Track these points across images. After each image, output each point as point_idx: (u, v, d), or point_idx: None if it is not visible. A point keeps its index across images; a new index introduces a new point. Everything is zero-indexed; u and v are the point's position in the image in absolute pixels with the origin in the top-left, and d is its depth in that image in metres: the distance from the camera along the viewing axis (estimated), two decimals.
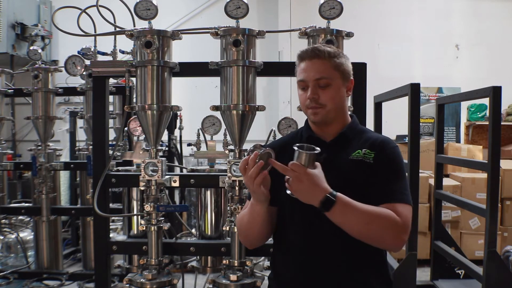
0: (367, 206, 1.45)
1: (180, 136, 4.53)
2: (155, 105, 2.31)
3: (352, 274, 1.56)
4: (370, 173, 1.54)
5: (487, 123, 3.92)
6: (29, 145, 3.89)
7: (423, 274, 4.00)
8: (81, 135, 4.93)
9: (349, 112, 1.72)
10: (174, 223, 3.59)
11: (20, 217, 4.28)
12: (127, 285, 2.39)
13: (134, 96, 2.49)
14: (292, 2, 6.12)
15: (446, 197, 3.53)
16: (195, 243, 2.63)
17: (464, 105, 5.83)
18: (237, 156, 2.38)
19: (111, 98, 4.25)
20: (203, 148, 2.74)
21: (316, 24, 2.37)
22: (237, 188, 2.33)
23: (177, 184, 2.48)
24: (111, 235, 2.75)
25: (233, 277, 2.32)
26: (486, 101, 2.90)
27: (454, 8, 6.28)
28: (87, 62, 3.54)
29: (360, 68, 2.30)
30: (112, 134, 3.95)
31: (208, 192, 2.72)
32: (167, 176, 2.41)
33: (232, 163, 2.32)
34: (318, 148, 1.43)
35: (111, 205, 3.02)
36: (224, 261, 2.43)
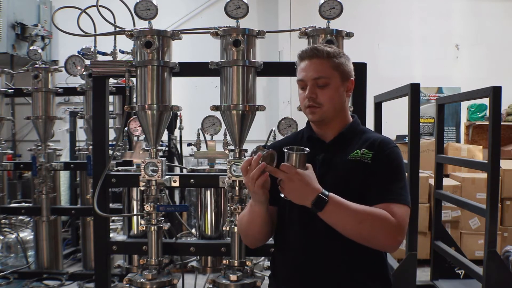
0: (360, 206, 1.45)
1: (180, 136, 4.53)
2: (155, 105, 2.31)
3: (350, 274, 1.56)
4: (368, 173, 1.54)
5: (487, 123, 3.92)
6: (29, 145, 3.89)
7: (423, 274, 4.00)
8: (81, 135, 4.93)
9: (350, 113, 1.72)
10: (174, 223, 3.59)
11: (20, 217, 4.28)
12: (127, 285, 2.39)
13: (134, 96, 2.49)
14: (292, 2, 6.12)
15: (446, 197, 3.53)
16: (195, 243, 2.63)
17: (464, 105, 5.83)
18: (237, 156, 2.38)
19: (111, 98, 4.24)
20: (203, 148, 2.74)
21: (316, 24, 2.37)
22: (237, 188, 2.33)
23: (177, 184, 2.48)
24: (111, 235, 2.75)
25: (233, 277, 2.32)
26: (486, 101, 2.90)
27: (454, 8, 6.28)
28: (87, 62, 3.54)
29: (360, 68, 2.29)
30: (112, 134, 3.95)
31: (208, 192, 2.72)
32: (167, 176, 2.41)
33: (232, 163, 2.32)
34: (307, 149, 1.43)
35: (111, 205, 3.02)
36: (224, 261, 2.43)
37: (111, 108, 4.22)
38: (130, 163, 3.43)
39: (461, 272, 3.54)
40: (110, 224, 3.23)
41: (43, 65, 3.63)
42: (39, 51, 3.61)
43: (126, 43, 2.86)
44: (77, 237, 4.72)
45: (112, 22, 2.98)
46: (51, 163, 3.60)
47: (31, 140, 4.92)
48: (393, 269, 2.74)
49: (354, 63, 1.71)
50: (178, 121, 4.40)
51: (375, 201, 1.49)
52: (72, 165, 3.82)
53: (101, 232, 2.51)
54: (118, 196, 3.77)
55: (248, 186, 1.49)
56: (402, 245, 1.73)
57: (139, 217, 2.79)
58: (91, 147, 3.31)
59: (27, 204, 4.20)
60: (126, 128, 3.35)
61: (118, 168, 3.14)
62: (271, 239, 1.74)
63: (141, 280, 2.36)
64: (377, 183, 1.52)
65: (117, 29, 2.78)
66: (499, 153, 2.67)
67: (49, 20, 6.11)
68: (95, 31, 3.32)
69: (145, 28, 2.35)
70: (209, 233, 2.74)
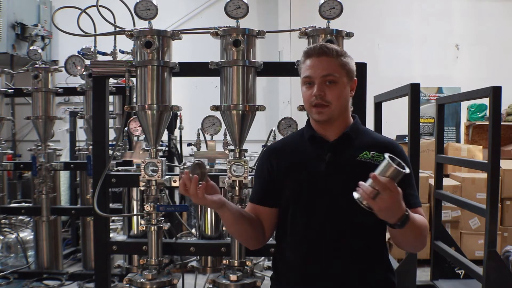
0: (417, 218, 1.48)
1: (180, 136, 4.53)
2: (155, 105, 2.31)
3: (356, 275, 1.56)
4: None
5: (487, 123, 3.92)
6: (29, 145, 3.89)
7: (423, 274, 4.00)
8: (81, 135, 4.93)
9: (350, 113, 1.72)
10: (174, 223, 3.58)
11: (20, 217, 4.28)
12: (127, 285, 2.39)
13: (134, 96, 2.49)
14: (292, 2, 6.12)
15: (446, 197, 3.53)
16: (195, 243, 2.63)
17: (464, 105, 5.83)
18: (237, 156, 2.37)
19: (111, 98, 4.24)
20: (203, 148, 2.74)
21: (316, 24, 2.37)
22: (237, 188, 2.33)
23: (177, 184, 2.48)
24: (111, 235, 2.75)
25: (233, 277, 2.32)
26: (486, 101, 2.90)
27: (454, 8, 6.28)
28: (87, 62, 3.54)
29: (360, 68, 2.28)
30: (112, 134, 3.95)
31: None
32: (167, 176, 2.41)
33: (232, 163, 2.32)
34: (408, 169, 1.35)
35: (111, 205, 3.02)
36: (224, 261, 2.43)
37: (111, 108, 4.22)
38: (130, 163, 3.42)
39: (461, 272, 3.54)
40: (110, 224, 3.23)
41: (43, 65, 3.63)
42: (39, 51, 3.62)
43: (126, 43, 2.86)
44: (77, 237, 4.72)
45: (112, 22, 2.98)
46: (51, 163, 3.60)
47: (31, 140, 4.91)
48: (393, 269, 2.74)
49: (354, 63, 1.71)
50: (178, 121, 4.41)
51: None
52: (72, 165, 3.82)
53: (101, 232, 2.51)
54: (118, 196, 3.77)
55: (198, 203, 1.50)
56: None
57: (139, 217, 2.78)
58: (91, 147, 3.31)
59: (27, 204, 4.20)
60: (126, 128, 3.35)
61: (118, 168, 3.14)
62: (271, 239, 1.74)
63: (141, 280, 2.36)
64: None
65: (117, 29, 2.78)
66: (499, 153, 2.68)
67: (49, 20, 6.10)
68: (95, 31, 3.32)
69: (145, 28, 2.35)
70: (209, 233, 2.74)
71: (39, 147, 3.58)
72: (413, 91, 2.88)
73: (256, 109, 2.35)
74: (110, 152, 2.61)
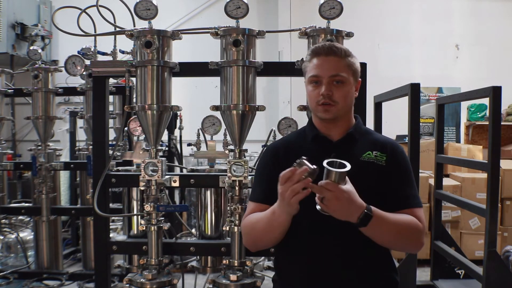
0: (395, 216, 1.49)
1: (180, 136, 4.53)
2: (155, 105, 2.31)
3: (360, 275, 1.56)
4: (383, 175, 1.57)
5: (487, 123, 3.92)
6: (29, 145, 3.89)
7: (423, 274, 4.00)
8: (81, 135, 4.92)
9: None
10: (174, 223, 3.58)
11: (20, 217, 4.28)
12: (127, 285, 2.39)
13: (134, 96, 2.49)
14: (292, 2, 6.12)
15: (446, 197, 3.53)
16: (195, 243, 2.63)
17: (464, 105, 5.83)
18: (237, 156, 2.38)
19: (111, 98, 4.24)
20: (203, 148, 2.74)
21: (316, 24, 2.37)
22: (237, 188, 2.33)
23: (177, 184, 2.48)
24: (111, 235, 2.75)
25: (233, 277, 2.32)
26: (486, 101, 2.90)
27: (454, 8, 6.28)
28: (87, 62, 3.53)
29: (360, 68, 2.29)
30: (112, 134, 3.95)
31: (208, 192, 2.72)
32: (167, 176, 2.41)
33: (232, 163, 2.32)
34: (348, 165, 1.39)
35: (111, 205, 3.02)
36: (224, 261, 2.43)
37: (111, 108, 4.22)
38: (130, 163, 3.43)
39: (461, 272, 3.54)
40: (110, 224, 3.23)
41: (43, 65, 3.63)
42: (39, 51, 3.61)
43: (126, 43, 2.86)
44: (77, 237, 4.72)
45: (112, 22, 2.98)
46: (51, 163, 3.60)
47: (31, 140, 4.91)
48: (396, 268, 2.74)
49: None
50: (178, 121, 4.40)
51: (398, 206, 1.54)
52: (72, 165, 3.82)
53: (101, 232, 2.51)
54: (118, 196, 3.77)
55: (284, 197, 1.40)
56: None
57: (139, 217, 2.78)
58: (91, 147, 3.31)
59: (27, 204, 4.20)
60: (126, 128, 3.35)
61: (118, 168, 3.14)
62: None
63: (141, 280, 2.36)
64: (396, 188, 1.57)
65: (117, 29, 2.78)
66: (499, 153, 2.67)
67: (49, 20, 6.10)
68: (95, 31, 3.32)
69: (145, 28, 2.35)
70: (209, 233, 2.74)
71: (39, 147, 3.58)
72: (413, 91, 2.88)
73: (256, 109, 2.35)
74: (110, 152, 2.61)
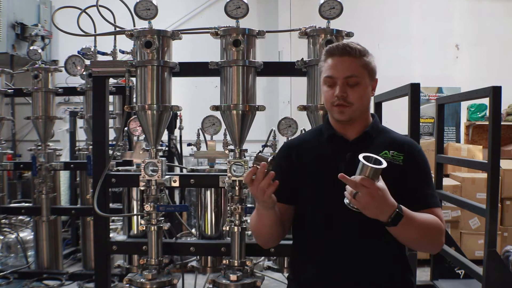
0: (422, 216, 1.46)
1: (180, 136, 4.53)
2: (155, 105, 2.31)
3: (375, 275, 1.55)
4: (400, 174, 1.53)
5: (487, 123, 3.91)
6: (29, 145, 3.89)
7: (423, 274, 3.99)
8: (81, 135, 4.92)
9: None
10: (174, 223, 3.58)
11: (20, 217, 4.28)
12: (127, 285, 2.39)
13: (134, 96, 2.49)
14: (292, 2, 6.12)
15: (446, 197, 3.53)
16: (195, 243, 2.63)
17: (464, 105, 5.83)
18: (237, 156, 2.38)
19: (111, 98, 4.24)
20: (203, 148, 2.74)
21: (316, 24, 2.37)
22: (237, 188, 2.33)
23: (177, 184, 2.48)
24: (111, 235, 2.75)
25: (233, 277, 2.32)
26: (486, 101, 2.89)
27: (454, 8, 6.28)
28: (87, 62, 3.53)
29: None
30: (112, 134, 3.95)
31: (208, 192, 2.72)
32: (167, 176, 2.41)
33: (232, 163, 2.32)
34: (384, 162, 1.35)
35: (111, 205, 3.02)
36: (224, 261, 2.43)
37: (111, 108, 4.22)
38: (130, 163, 3.43)
39: (461, 272, 3.54)
40: (110, 224, 3.23)
41: (43, 65, 3.62)
42: (39, 51, 3.61)
43: (126, 43, 2.86)
44: (77, 237, 4.72)
45: (112, 22, 2.98)
46: (51, 163, 3.59)
47: (31, 140, 4.91)
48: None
49: None
50: (178, 121, 4.40)
51: (418, 206, 1.51)
52: (72, 165, 3.82)
53: (101, 232, 2.51)
54: (118, 196, 3.76)
55: (256, 196, 1.44)
56: None
57: (139, 217, 2.78)
58: (91, 147, 3.31)
59: (27, 204, 4.20)
60: (126, 128, 3.35)
61: (118, 168, 3.14)
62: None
63: (141, 280, 2.36)
64: (415, 188, 1.54)
65: (117, 29, 2.78)
66: (499, 153, 2.67)
67: (49, 20, 6.11)
68: (95, 31, 3.32)
69: (145, 28, 2.35)
70: (209, 233, 2.74)
71: (39, 147, 3.58)
72: (413, 91, 2.87)
73: (256, 109, 2.35)
74: (110, 152, 2.61)
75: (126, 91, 2.43)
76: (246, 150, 2.41)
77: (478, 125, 5.64)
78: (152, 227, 2.39)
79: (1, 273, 3.62)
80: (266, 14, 6.21)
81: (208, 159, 2.76)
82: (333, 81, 1.55)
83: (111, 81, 3.56)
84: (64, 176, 5.02)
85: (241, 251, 2.39)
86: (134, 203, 2.90)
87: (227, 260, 2.41)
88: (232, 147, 2.43)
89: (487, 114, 5.31)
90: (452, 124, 6.04)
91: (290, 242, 1.72)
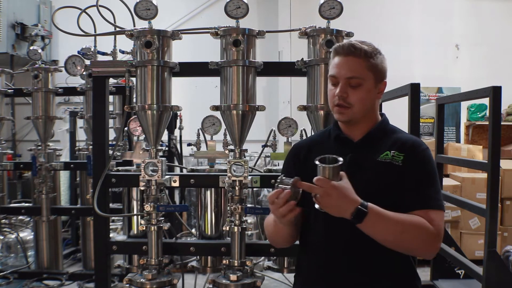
0: (399, 215, 1.42)
1: (180, 136, 4.53)
2: (155, 105, 2.31)
3: (379, 278, 1.53)
4: (399, 176, 1.49)
5: (487, 123, 3.92)
6: (29, 145, 3.89)
7: (423, 274, 3.99)
8: (81, 135, 4.92)
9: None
10: (174, 223, 3.58)
11: (20, 217, 4.28)
12: (127, 285, 2.39)
13: (134, 96, 2.49)
14: (292, 2, 6.13)
15: (446, 197, 3.53)
16: (195, 243, 2.63)
17: (464, 105, 5.83)
18: (237, 156, 2.37)
19: (111, 98, 4.24)
20: (203, 148, 2.73)
21: (316, 24, 2.37)
22: (237, 188, 2.33)
23: (177, 184, 2.48)
24: (111, 235, 2.76)
25: (233, 277, 2.32)
26: (486, 101, 2.89)
27: (454, 8, 6.28)
28: (87, 62, 3.53)
29: None
30: (112, 134, 3.95)
31: (208, 192, 2.72)
32: (167, 176, 2.41)
33: (232, 163, 2.32)
34: (340, 159, 1.37)
35: (111, 205, 3.02)
36: (224, 261, 2.43)
37: (111, 108, 4.21)
38: (130, 163, 3.43)
39: (461, 272, 3.53)
40: (110, 224, 3.23)
41: (43, 65, 3.63)
42: (39, 51, 3.62)
43: (126, 43, 2.86)
44: (77, 237, 4.72)
45: (112, 22, 2.98)
46: (51, 163, 3.59)
47: (31, 140, 4.92)
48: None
49: None
50: (178, 121, 4.40)
51: (412, 207, 1.46)
52: (72, 165, 3.82)
53: (101, 232, 2.51)
54: (118, 196, 3.77)
55: (275, 215, 1.45)
56: None
57: (139, 217, 2.78)
58: (91, 147, 3.31)
59: (27, 204, 4.20)
60: (126, 128, 3.35)
61: (118, 168, 3.14)
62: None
63: (141, 280, 2.36)
64: (412, 188, 1.49)
65: (117, 29, 2.78)
66: (499, 153, 2.67)
67: (49, 20, 6.11)
68: (95, 31, 3.32)
69: (145, 28, 2.35)
70: (209, 233, 2.74)
71: (39, 147, 3.58)
72: (413, 91, 2.87)
73: (256, 109, 2.35)
74: (110, 152, 2.61)
75: (126, 91, 2.42)
76: (246, 150, 2.41)
77: (478, 125, 5.64)
78: (152, 227, 2.39)
79: (1, 273, 3.62)
80: (266, 14, 6.22)
81: (208, 159, 2.76)
82: (336, 81, 1.53)
83: (111, 81, 3.56)
84: (64, 176, 5.02)
85: (241, 251, 2.39)
86: (134, 203, 2.90)
87: (227, 260, 2.41)
88: (232, 147, 2.43)
89: (487, 114, 5.31)
90: (452, 124, 6.04)
91: None
